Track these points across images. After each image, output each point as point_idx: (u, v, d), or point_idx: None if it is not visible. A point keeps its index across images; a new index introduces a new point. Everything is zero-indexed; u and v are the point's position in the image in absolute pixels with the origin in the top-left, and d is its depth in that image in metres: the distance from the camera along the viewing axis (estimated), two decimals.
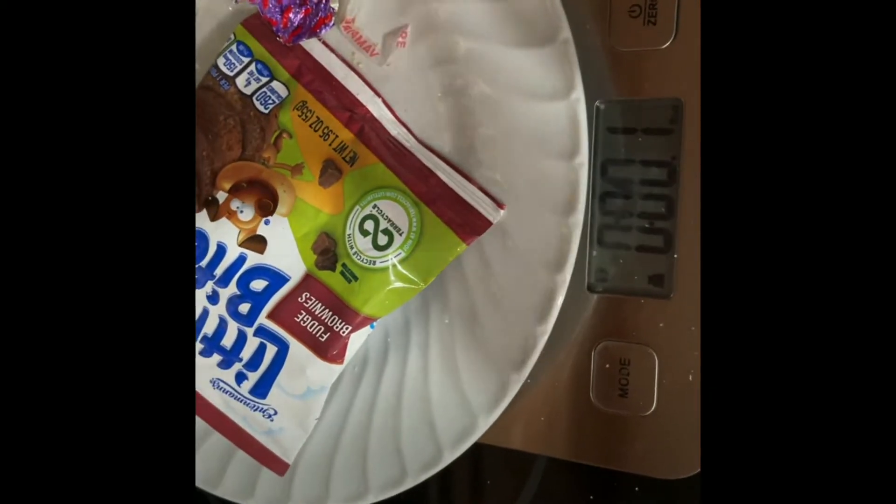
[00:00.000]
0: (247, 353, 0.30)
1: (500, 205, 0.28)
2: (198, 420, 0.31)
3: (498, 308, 0.28)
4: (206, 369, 0.30)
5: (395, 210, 0.28)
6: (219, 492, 0.33)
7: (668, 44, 0.27)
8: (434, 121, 0.29)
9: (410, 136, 0.29)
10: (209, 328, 0.30)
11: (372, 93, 0.29)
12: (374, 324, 0.29)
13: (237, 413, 0.30)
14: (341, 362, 0.29)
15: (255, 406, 0.30)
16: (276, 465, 0.31)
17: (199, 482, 0.33)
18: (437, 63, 0.29)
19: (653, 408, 0.28)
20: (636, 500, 0.29)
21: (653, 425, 0.28)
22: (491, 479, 0.32)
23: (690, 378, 0.28)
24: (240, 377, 0.30)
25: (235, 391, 0.30)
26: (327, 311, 0.29)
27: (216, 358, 0.30)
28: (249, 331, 0.30)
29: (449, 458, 0.29)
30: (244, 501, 0.33)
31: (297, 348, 0.29)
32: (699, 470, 0.28)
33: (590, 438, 0.29)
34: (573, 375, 0.30)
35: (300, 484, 0.31)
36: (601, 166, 0.29)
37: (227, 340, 0.30)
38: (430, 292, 0.30)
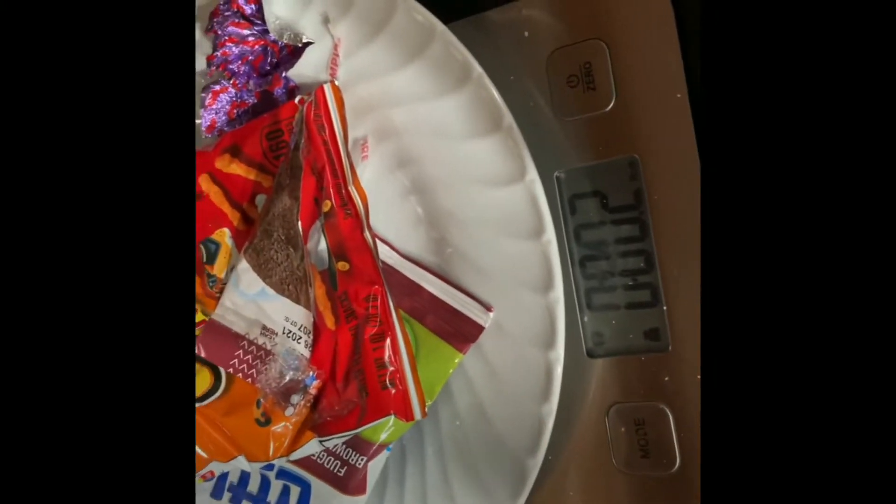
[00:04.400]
0: (273, 496, 0.30)
1: (488, 308, 0.28)
2: None
3: (502, 397, 0.28)
4: None
5: None
6: None
7: (611, 106, 0.28)
8: (406, 219, 0.30)
9: (393, 253, 0.30)
10: (234, 477, 0.30)
11: None
12: (391, 446, 0.29)
13: None
14: (364, 493, 0.29)
15: None
16: None
17: None
18: (399, 165, 0.30)
19: (677, 464, 0.28)
20: None
21: (679, 481, 0.28)
22: None
23: None
24: None
25: None
26: (342, 445, 0.29)
27: None
28: (271, 474, 0.30)
29: None
30: None
31: (318, 486, 0.29)
32: None
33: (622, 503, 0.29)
34: (592, 444, 0.29)
35: None
36: (574, 233, 0.29)
37: (253, 486, 0.30)
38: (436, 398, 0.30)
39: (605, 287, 0.29)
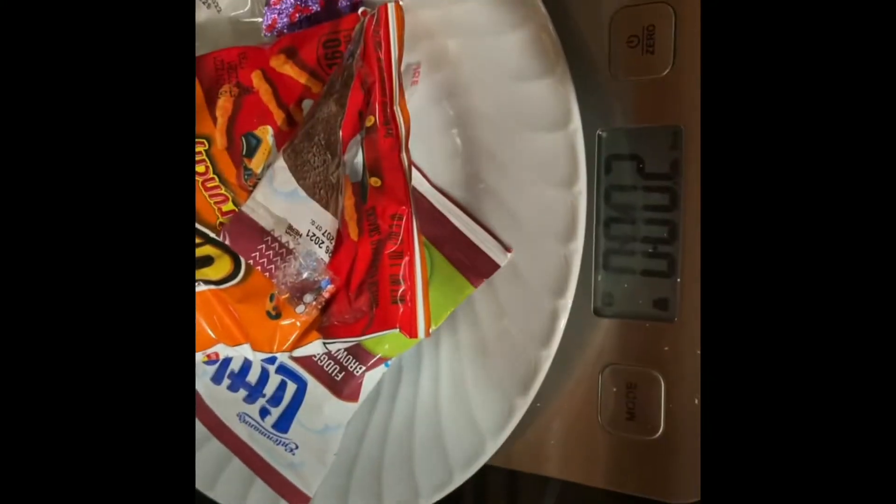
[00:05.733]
0: (269, 389, 0.31)
1: (507, 248, 0.29)
2: (222, 446, 0.32)
3: (504, 334, 0.29)
4: (233, 403, 0.32)
5: None
6: None
7: (666, 72, 0.28)
8: (443, 151, 0.31)
9: (424, 181, 0.30)
10: (235, 365, 0.32)
11: None
12: (389, 362, 0.30)
13: (261, 446, 0.32)
14: (356, 401, 0.30)
15: (277, 440, 0.31)
16: (297, 497, 0.32)
17: (221, 501, 0.34)
18: (446, 96, 0.30)
19: (660, 431, 0.28)
20: None
21: (659, 449, 0.28)
22: (505, 500, 0.33)
23: (696, 402, 0.28)
24: (263, 412, 0.31)
25: (260, 425, 0.31)
26: (343, 351, 0.30)
27: (242, 393, 0.32)
28: (272, 368, 0.31)
29: (459, 479, 0.30)
30: None
31: (314, 386, 0.30)
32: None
33: (598, 461, 0.30)
34: (582, 399, 0.30)
35: None
36: (605, 192, 0.30)
37: (252, 377, 0.31)
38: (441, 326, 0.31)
39: (624, 250, 0.30)
